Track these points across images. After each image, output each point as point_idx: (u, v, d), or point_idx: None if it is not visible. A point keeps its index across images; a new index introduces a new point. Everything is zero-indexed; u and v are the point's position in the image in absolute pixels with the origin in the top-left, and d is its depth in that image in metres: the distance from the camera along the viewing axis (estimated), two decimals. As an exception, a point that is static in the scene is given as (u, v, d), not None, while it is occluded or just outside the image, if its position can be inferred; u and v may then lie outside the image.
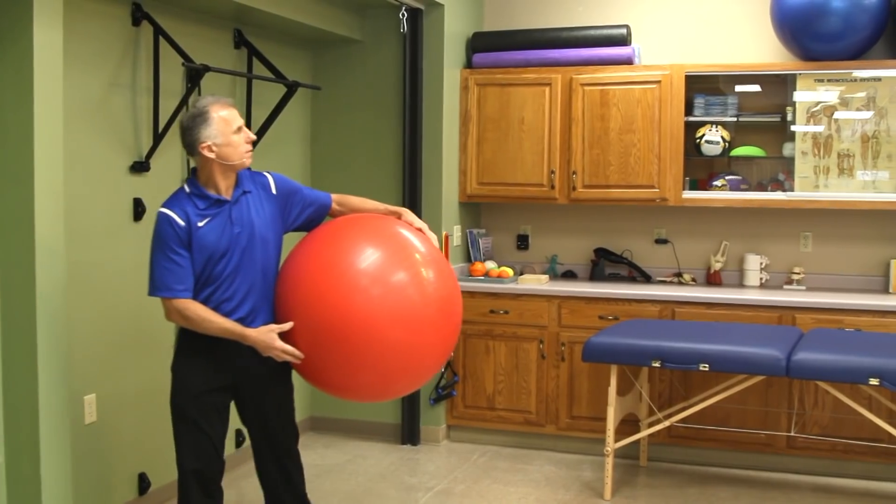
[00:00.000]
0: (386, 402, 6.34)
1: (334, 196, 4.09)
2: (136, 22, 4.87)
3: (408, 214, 4.00)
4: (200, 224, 3.64)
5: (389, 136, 6.43)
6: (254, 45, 5.72)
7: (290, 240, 3.95)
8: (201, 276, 3.67)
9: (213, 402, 3.79)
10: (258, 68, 5.76)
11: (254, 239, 3.73)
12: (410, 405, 6.34)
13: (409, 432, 6.37)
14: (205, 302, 3.67)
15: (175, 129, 5.03)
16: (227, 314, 3.68)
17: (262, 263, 3.76)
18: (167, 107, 5.03)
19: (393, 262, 3.68)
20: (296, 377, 3.91)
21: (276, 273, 3.84)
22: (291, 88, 5.79)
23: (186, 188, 3.73)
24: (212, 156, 3.65)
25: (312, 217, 4.00)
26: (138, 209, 4.94)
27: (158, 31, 4.94)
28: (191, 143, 3.68)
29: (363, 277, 3.61)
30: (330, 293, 3.58)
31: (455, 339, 3.91)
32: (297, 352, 3.63)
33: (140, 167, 4.95)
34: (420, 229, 3.91)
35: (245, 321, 3.71)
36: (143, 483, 5.03)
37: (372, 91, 6.49)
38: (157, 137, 5.00)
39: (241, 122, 3.73)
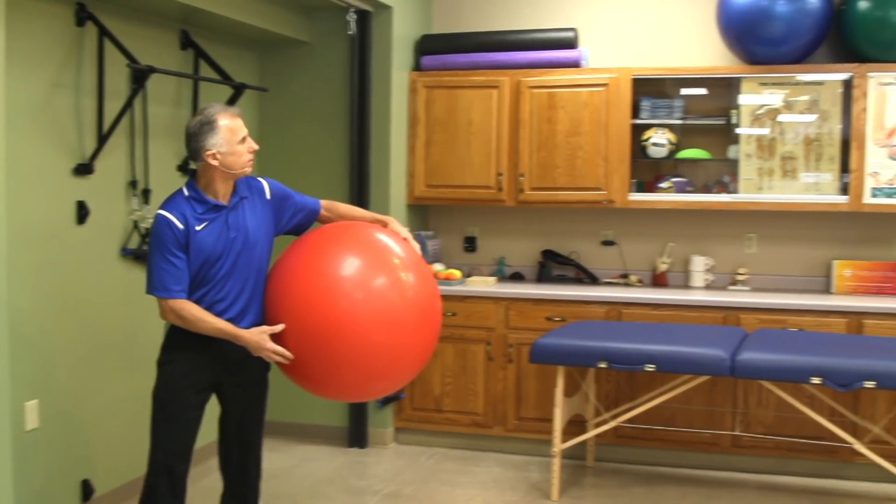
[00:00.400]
0: (333, 404, 6.33)
1: (323, 202, 4.21)
2: (80, 22, 4.81)
3: (394, 223, 4.12)
4: (198, 228, 3.75)
5: (337, 138, 6.41)
6: (200, 46, 5.67)
7: (280, 243, 4.08)
8: (196, 277, 3.78)
9: (194, 399, 3.91)
10: (205, 70, 5.73)
11: (248, 243, 3.86)
12: (358, 408, 6.33)
13: (356, 435, 6.36)
14: (198, 301, 3.79)
15: (120, 131, 5.05)
16: (218, 313, 3.80)
17: (254, 266, 3.89)
18: (112, 108, 4.98)
19: (375, 268, 3.84)
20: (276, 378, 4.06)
21: (265, 275, 3.97)
22: (238, 90, 5.77)
23: (185, 191, 3.82)
24: (215, 163, 3.76)
25: (302, 222, 4.14)
26: (81, 212, 4.87)
27: (103, 32, 4.88)
28: (196, 150, 3.78)
29: (347, 282, 3.76)
30: (316, 297, 3.74)
31: (435, 342, 4.03)
32: (286, 352, 3.75)
33: (83, 169, 4.88)
34: (404, 238, 4.04)
35: (234, 320, 3.82)
36: (87, 490, 4.96)
37: (320, 93, 6.47)
38: (102, 139, 4.94)
39: (245, 132, 3.85)
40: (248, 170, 3.87)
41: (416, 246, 4.06)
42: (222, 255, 3.79)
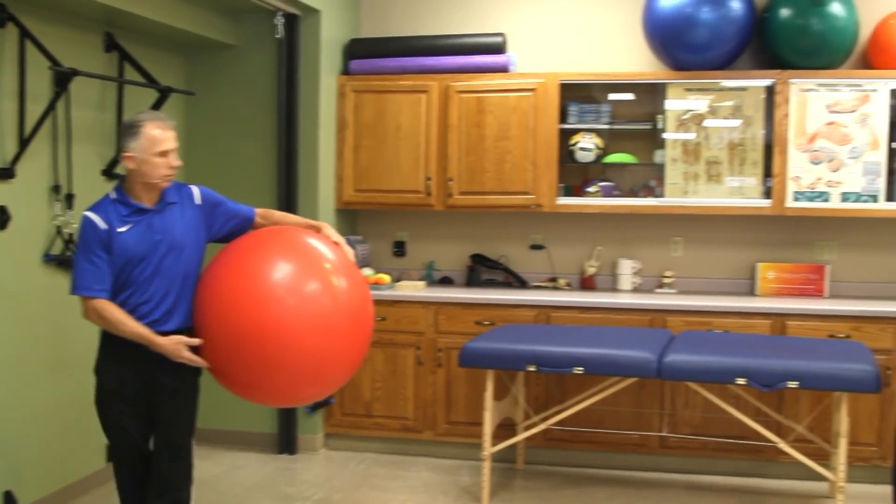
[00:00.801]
0: (262, 411, 6.28)
1: (258, 210, 4.24)
2: (0, 23, 4.71)
3: (326, 228, 4.16)
4: (121, 230, 3.78)
5: (265, 142, 6.36)
6: (125, 48, 5.59)
7: (212, 248, 4.07)
8: (119, 279, 3.80)
9: (131, 408, 3.93)
10: (130, 73, 5.65)
11: (174, 247, 3.87)
12: (287, 414, 6.29)
13: (286, 441, 6.31)
14: (123, 303, 3.80)
15: (42, 135, 5.01)
16: (143, 315, 3.81)
17: (181, 270, 3.90)
18: (34, 111, 4.89)
19: (307, 272, 3.85)
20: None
21: (194, 280, 3.97)
22: (164, 94, 5.72)
23: (112, 194, 3.87)
24: (131, 166, 3.80)
25: (235, 229, 4.15)
26: (2, 217, 4.77)
27: (24, 34, 4.79)
28: (120, 150, 3.85)
29: (279, 287, 3.77)
30: (247, 302, 3.73)
31: (367, 347, 4.05)
32: (202, 362, 3.82)
33: (4, 174, 4.78)
34: (337, 243, 4.06)
35: (159, 322, 3.85)
36: (10, 501, 4.85)
37: (247, 97, 6.41)
38: (23, 143, 4.85)
39: (171, 146, 3.85)
40: (166, 184, 3.88)
41: (350, 251, 4.07)
42: (145, 258, 3.80)
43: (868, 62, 6.06)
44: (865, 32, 6.05)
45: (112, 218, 3.78)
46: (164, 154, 3.81)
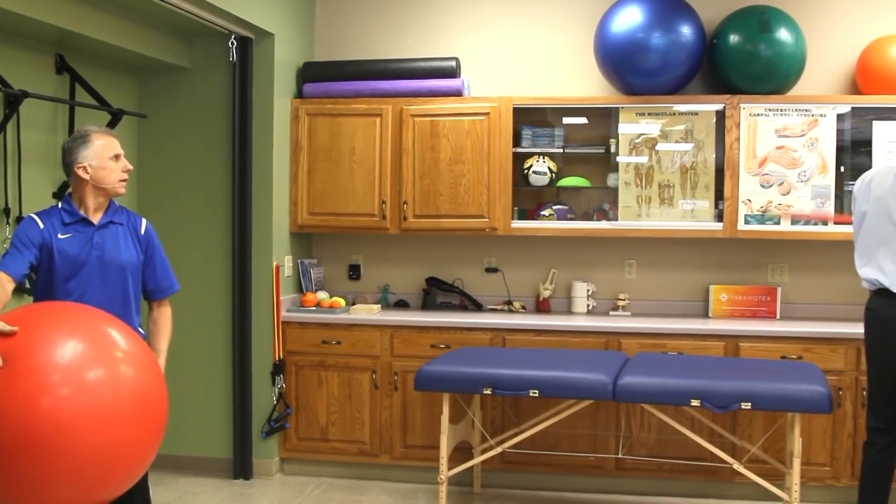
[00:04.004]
0: (217, 434, 6.24)
1: (165, 303, 4.17)
2: (-51, 46, 4.68)
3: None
4: (61, 236, 3.83)
5: (218, 165, 6.32)
6: (77, 70, 5.54)
7: None
8: (53, 285, 3.82)
9: None
10: (81, 95, 5.59)
11: (111, 265, 3.91)
12: (242, 439, 6.23)
13: (241, 467, 6.24)
14: None
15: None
16: None
17: (117, 289, 3.92)
18: (-16, 134, 4.84)
19: (91, 359, 3.32)
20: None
21: (134, 299, 4.01)
22: (116, 116, 5.66)
23: (60, 204, 3.93)
24: (86, 177, 3.85)
25: (146, 286, 4.12)
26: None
27: (-27, 56, 4.75)
28: (69, 163, 3.87)
29: (51, 373, 3.19)
30: (10, 397, 3.12)
31: (161, 435, 3.59)
32: None
33: (-47, 197, 4.73)
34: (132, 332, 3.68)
35: None
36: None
37: (200, 120, 6.37)
38: (-27, 166, 4.80)
39: (120, 151, 3.95)
40: (121, 190, 3.95)
41: None
42: (80, 269, 3.84)
43: (857, 88, 6.17)
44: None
45: (55, 223, 3.84)
46: (116, 158, 3.91)
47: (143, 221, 4.10)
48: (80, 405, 3.16)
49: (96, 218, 3.92)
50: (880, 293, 4.75)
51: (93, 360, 3.29)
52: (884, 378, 4.78)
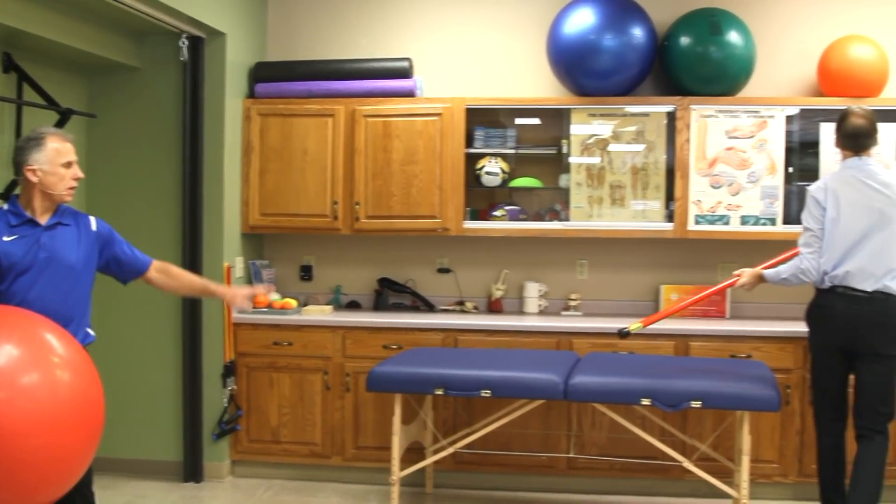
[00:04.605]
0: (166, 437, 6.19)
1: (156, 264, 4.30)
2: None
3: (231, 295, 4.54)
4: (6, 238, 3.78)
5: (169, 165, 6.26)
6: (24, 69, 5.46)
7: None
8: (8, 287, 3.78)
9: None
10: (29, 94, 5.52)
11: (60, 266, 3.86)
12: (192, 441, 6.17)
13: (191, 469, 6.19)
14: None
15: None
16: None
17: (65, 290, 3.88)
18: (-72, 132, 4.76)
19: (26, 363, 3.34)
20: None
21: (85, 300, 3.99)
22: (65, 116, 5.60)
23: (6, 206, 3.91)
24: (35, 180, 3.82)
25: (126, 275, 4.23)
26: None
27: (-84, 53, 4.68)
28: (18, 164, 3.84)
29: None
30: None
31: (98, 438, 3.61)
32: None
33: None
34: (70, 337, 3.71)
35: None
36: None
37: (151, 119, 6.31)
38: (-83, 165, 4.72)
39: (73, 158, 3.92)
40: (68, 198, 3.93)
41: (267, 290, 4.24)
42: (27, 271, 3.79)
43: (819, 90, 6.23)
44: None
45: (1, 226, 3.80)
46: (68, 165, 3.88)
47: (92, 219, 4.08)
48: (16, 409, 3.19)
49: (44, 219, 3.89)
50: (833, 290, 4.88)
51: (29, 365, 3.32)
52: (836, 370, 4.97)
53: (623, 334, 5.09)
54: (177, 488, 6.08)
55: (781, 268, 5.08)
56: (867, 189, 4.89)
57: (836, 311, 4.88)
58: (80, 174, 3.97)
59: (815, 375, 5.09)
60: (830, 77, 6.07)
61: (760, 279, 5.18)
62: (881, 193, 4.87)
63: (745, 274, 5.20)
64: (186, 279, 4.46)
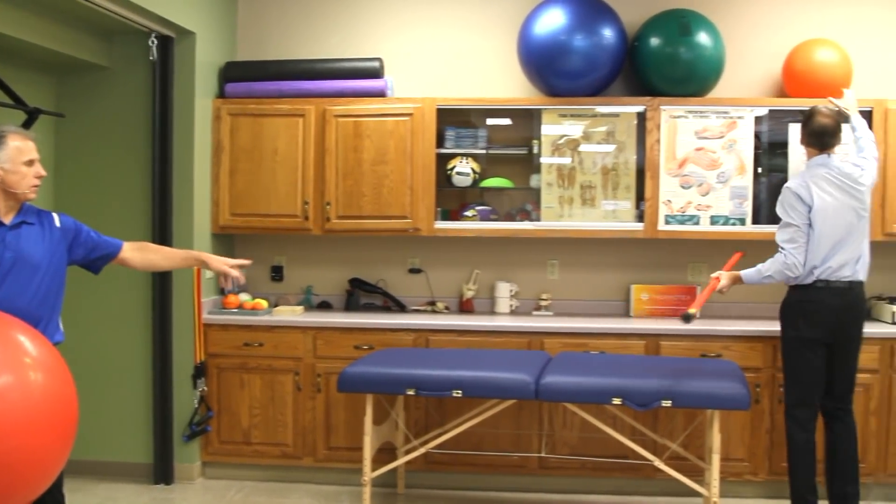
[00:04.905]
0: (135, 439, 6.15)
1: (129, 244, 4.35)
2: None
3: (212, 261, 4.46)
4: None
5: (138, 165, 6.22)
6: (-10, 68, 5.43)
7: None
8: None
9: None
10: (-4, 93, 5.48)
11: (25, 266, 3.85)
12: (163, 443, 6.14)
13: (161, 471, 6.16)
14: None
15: None
16: None
17: (33, 289, 3.86)
18: None
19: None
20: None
21: (54, 299, 3.97)
22: (32, 115, 5.54)
23: None
24: None
25: (100, 260, 4.26)
26: None
27: None
28: None
29: None
30: None
31: (72, 440, 3.59)
32: None
33: None
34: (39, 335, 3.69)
35: None
36: None
37: (120, 119, 6.26)
38: None
39: (35, 156, 3.91)
40: (32, 196, 3.92)
41: (237, 275, 4.34)
42: None
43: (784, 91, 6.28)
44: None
45: None
46: (30, 163, 3.87)
47: (55, 216, 4.09)
48: None
49: (8, 218, 3.88)
50: (818, 284, 5.05)
51: (1, 366, 3.28)
52: (816, 362, 5.10)
53: (687, 318, 5.04)
54: (147, 490, 6.04)
55: (762, 266, 5.14)
56: (841, 185, 5.08)
57: (825, 304, 5.04)
58: (43, 172, 3.95)
59: (793, 371, 5.16)
60: (795, 78, 6.12)
61: (738, 281, 5.23)
62: (852, 188, 5.07)
63: (724, 277, 5.24)
64: (167, 251, 4.56)
